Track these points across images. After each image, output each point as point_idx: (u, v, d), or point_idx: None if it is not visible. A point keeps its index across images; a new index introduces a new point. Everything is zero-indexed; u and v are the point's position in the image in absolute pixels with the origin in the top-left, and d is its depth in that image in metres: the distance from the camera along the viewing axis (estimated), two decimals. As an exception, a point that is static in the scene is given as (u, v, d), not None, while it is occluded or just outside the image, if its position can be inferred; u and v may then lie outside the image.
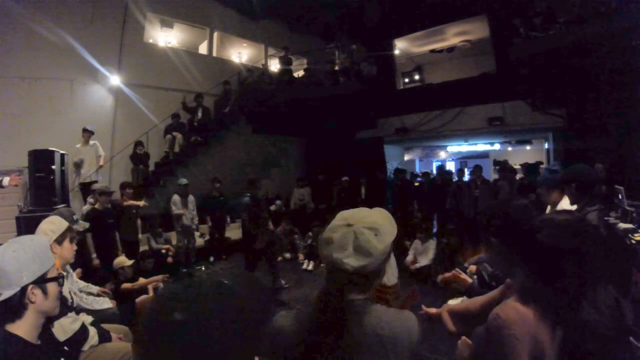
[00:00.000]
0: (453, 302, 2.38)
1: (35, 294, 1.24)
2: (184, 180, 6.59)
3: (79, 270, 2.98)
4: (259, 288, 0.73)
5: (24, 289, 1.22)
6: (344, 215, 1.01)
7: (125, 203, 5.41)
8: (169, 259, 5.82)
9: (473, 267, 2.61)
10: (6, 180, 3.66)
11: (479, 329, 1.16)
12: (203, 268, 6.66)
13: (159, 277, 3.92)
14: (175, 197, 6.46)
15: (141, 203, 5.69)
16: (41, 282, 1.27)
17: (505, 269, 1.30)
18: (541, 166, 7.27)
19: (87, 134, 6.33)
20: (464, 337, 1.29)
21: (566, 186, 2.43)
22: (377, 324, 0.96)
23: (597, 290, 1.17)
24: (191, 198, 6.65)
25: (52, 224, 2.20)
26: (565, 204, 2.60)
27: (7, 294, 1.19)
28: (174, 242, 6.68)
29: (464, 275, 2.04)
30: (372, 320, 0.96)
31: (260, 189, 5.84)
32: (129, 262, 4.00)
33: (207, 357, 0.51)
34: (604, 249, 1.27)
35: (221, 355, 0.52)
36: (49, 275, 1.31)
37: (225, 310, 0.54)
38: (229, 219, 7.74)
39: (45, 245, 1.39)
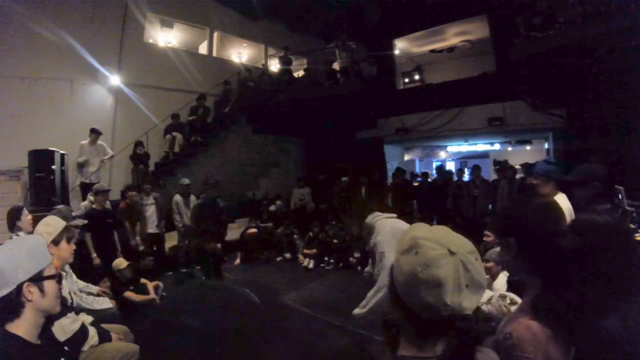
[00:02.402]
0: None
1: (32, 292, 1.23)
2: (185, 180, 6.59)
3: None
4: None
5: (20, 287, 1.21)
6: (432, 240, 0.76)
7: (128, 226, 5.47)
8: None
9: None
10: None
11: (488, 341, 1.12)
12: (203, 268, 6.67)
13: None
14: (177, 197, 6.46)
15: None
16: (37, 279, 1.26)
17: (522, 274, 1.20)
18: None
19: (95, 134, 6.31)
20: None
21: (583, 186, 2.35)
22: None
23: (628, 302, 1.06)
24: (193, 198, 6.64)
25: (48, 226, 2.19)
26: (561, 201, 2.59)
27: (3, 292, 1.19)
28: (175, 242, 6.69)
29: None
30: None
31: (215, 187, 6.23)
32: (125, 264, 4.02)
33: None
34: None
35: None
36: (46, 274, 1.30)
37: (246, 326, 0.51)
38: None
39: (41, 244, 1.38)
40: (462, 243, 0.77)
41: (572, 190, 2.47)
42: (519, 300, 1.88)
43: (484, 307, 1.85)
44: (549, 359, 0.97)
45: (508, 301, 1.93)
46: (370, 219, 3.39)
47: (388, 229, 3.19)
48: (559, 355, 0.98)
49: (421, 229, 0.83)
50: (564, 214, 1.20)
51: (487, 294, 1.93)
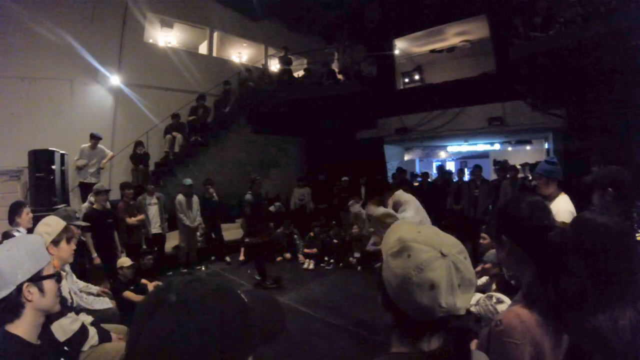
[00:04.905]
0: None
1: (32, 292, 1.23)
2: (188, 181, 6.57)
3: None
4: (268, 302, 0.72)
5: (19, 288, 1.21)
6: (422, 242, 0.76)
7: (129, 220, 5.47)
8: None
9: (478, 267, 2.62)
10: None
11: (484, 330, 1.13)
12: (203, 268, 6.68)
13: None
14: (180, 197, 6.45)
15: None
16: (37, 279, 1.26)
17: (515, 269, 1.22)
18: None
19: (95, 140, 6.29)
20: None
21: (596, 191, 2.17)
22: None
23: (621, 302, 1.06)
24: (195, 198, 6.63)
25: (48, 226, 2.19)
26: (564, 202, 2.57)
27: (3, 293, 1.19)
28: (177, 242, 6.68)
29: None
30: None
31: (261, 188, 6.29)
32: (128, 263, 4.02)
33: (192, 345, 0.47)
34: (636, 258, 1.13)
35: (204, 347, 0.48)
36: (45, 273, 1.30)
37: (225, 308, 0.52)
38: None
39: (40, 243, 1.37)
40: (452, 243, 0.77)
41: (590, 195, 2.23)
42: (505, 299, 1.90)
43: (472, 309, 1.86)
44: (537, 346, 0.98)
45: (495, 300, 1.94)
46: (398, 194, 3.46)
47: (415, 205, 3.30)
48: (547, 343, 0.99)
49: (408, 230, 0.82)
50: (551, 212, 1.21)
51: (475, 296, 1.95)
